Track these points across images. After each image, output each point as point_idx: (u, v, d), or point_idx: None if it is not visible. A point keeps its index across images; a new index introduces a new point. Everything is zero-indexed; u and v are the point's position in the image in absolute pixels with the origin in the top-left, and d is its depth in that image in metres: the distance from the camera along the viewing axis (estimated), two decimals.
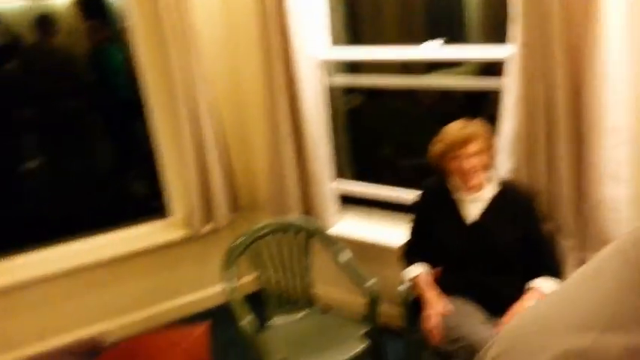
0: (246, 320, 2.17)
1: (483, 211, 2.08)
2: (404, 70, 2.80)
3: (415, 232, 2.29)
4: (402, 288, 2.24)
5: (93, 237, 2.94)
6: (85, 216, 3.33)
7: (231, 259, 2.39)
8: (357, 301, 3.03)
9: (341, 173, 2.98)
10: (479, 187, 2.07)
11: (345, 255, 2.47)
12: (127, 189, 3.98)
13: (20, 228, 3.17)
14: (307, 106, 2.60)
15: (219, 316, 2.69)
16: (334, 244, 2.51)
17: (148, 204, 3.34)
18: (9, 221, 3.18)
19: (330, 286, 3.12)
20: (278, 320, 2.52)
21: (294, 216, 2.80)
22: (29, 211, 3.49)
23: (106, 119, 4.02)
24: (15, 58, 3.86)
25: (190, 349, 2.31)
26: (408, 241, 2.31)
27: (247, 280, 3.24)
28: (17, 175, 3.67)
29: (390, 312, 2.87)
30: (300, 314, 2.55)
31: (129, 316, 3.02)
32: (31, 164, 3.86)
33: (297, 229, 2.53)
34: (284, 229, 2.54)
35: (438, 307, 2.02)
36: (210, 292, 3.22)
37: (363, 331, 2.29)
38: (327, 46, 2.75)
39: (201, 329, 2.42)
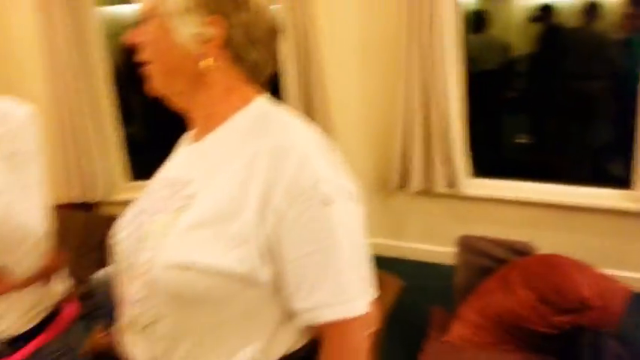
0: None
1: None
2: None
3: None
4: None
5: (567, 185, 3.39)
6: (569, 170, 4.56)
7: None
8: None
9: None
10: None
11: None
12: (605, 158, 4.57)
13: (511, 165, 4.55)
14: None
15: None
16: None
17: (618, 174, 3.79)
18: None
19: None
20: None
21: None
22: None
23: (613, 103, 4.26)
24: (557, 41, 4.56)
25: (603, 296, 2.37)
26: None
27: None
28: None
29: None
30: None
31: None
32: (525, 138, 5.26)
33: None
34: None
35: None
36: None
37: None
38: None
39: (624, 287, 2.45)
